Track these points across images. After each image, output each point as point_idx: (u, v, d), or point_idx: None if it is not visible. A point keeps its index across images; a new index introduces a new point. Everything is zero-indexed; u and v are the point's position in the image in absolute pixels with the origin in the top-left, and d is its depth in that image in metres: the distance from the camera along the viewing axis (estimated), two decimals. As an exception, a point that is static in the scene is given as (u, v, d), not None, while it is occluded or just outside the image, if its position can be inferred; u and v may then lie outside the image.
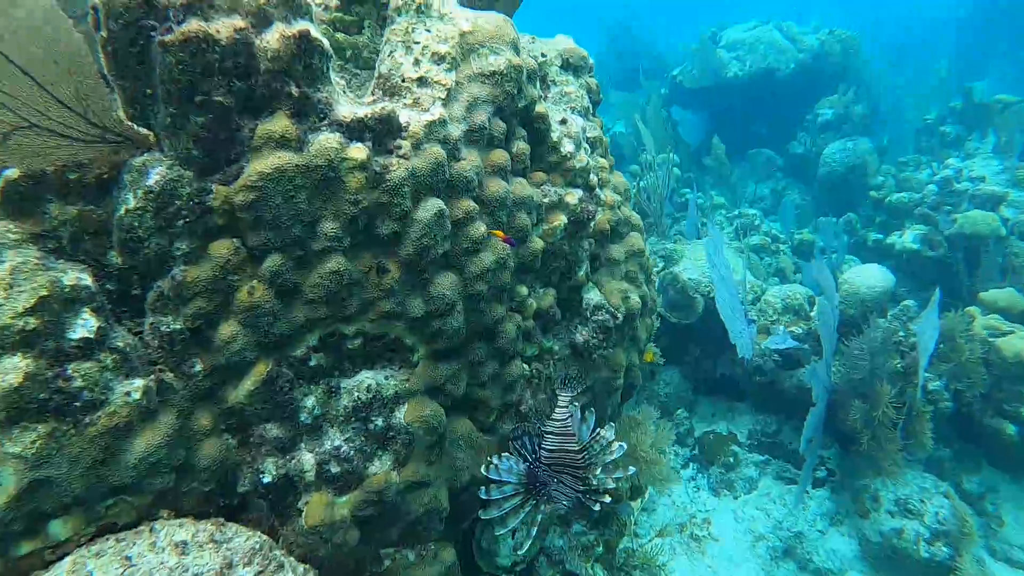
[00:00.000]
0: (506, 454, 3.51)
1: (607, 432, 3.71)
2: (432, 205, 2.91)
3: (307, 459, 3.02)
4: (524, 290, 3.57)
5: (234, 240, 2.55)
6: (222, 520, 2.76)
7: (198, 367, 2.71)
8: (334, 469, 3.04)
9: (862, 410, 6.34)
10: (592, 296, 4.19)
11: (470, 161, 3.07)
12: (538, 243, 3.59)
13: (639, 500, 5.10)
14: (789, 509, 7.54)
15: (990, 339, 7.25)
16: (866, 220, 12.52)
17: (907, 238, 10.44)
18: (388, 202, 2.75)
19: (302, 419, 3.01)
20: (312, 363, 2.98)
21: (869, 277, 8.38)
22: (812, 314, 8.23)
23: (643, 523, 7.38)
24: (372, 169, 2.63)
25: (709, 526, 7.60)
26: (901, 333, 7.04)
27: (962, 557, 6.32)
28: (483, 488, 3.44)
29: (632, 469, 3.65)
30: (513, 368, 3.56)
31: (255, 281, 2.66)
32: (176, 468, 2.69)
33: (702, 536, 7.47)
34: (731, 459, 8.11)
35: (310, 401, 3.01)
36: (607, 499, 3.50)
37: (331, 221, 2.65)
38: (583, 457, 3.60)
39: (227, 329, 2.69)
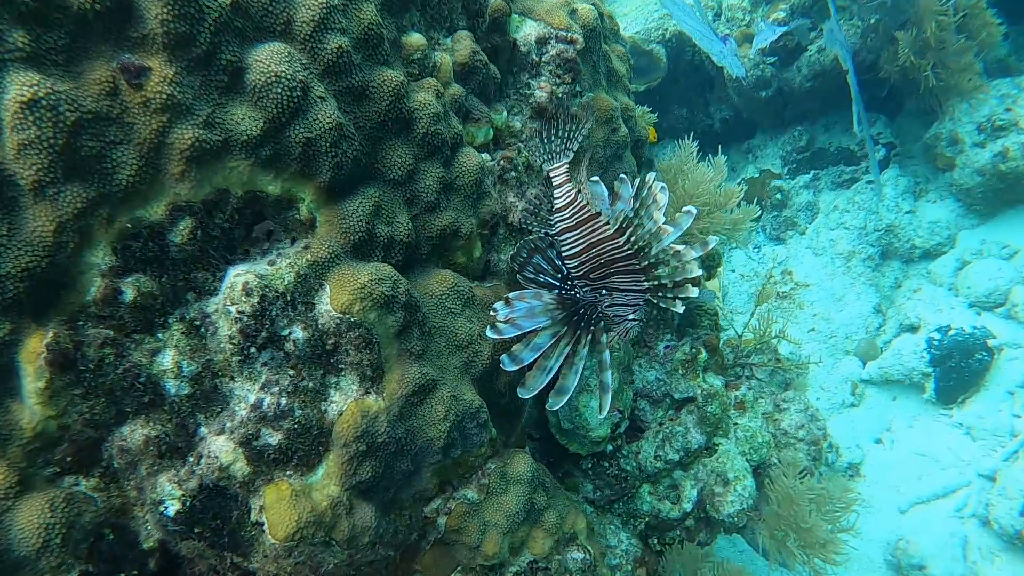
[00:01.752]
0: (516, 293, 2.22)
1: (653, 184, 2.38)
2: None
3: (221, 446, 1.74)
4: (417, 39, 2.15)
5: None
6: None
7: None
8: (273, 439, 1.76)
9: (909, 39, 4.97)
10: (527, 30, 2.75)
11: None
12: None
13: (718, 272, 3.87)
14: (868, 206, 6.35)
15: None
16: None
17: None
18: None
19: (171, 391, 1.70)
20: (127, 296, 1.64)
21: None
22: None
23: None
24: None
25: (791, 276, 6.47)
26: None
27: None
28: (505, 357, 2.18)
29: (714, 238, 2.34)
30: (466, 162, 2.20)
31: None
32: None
33: (789, 290, 6.35)
34: (777, 196, 6.88)
35: (167, 358, 1.70)
36: (691, 291, 2.24)
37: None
38: (630, 241, 2.31)
39: None
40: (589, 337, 2.30)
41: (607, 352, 2.29)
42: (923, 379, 5.44)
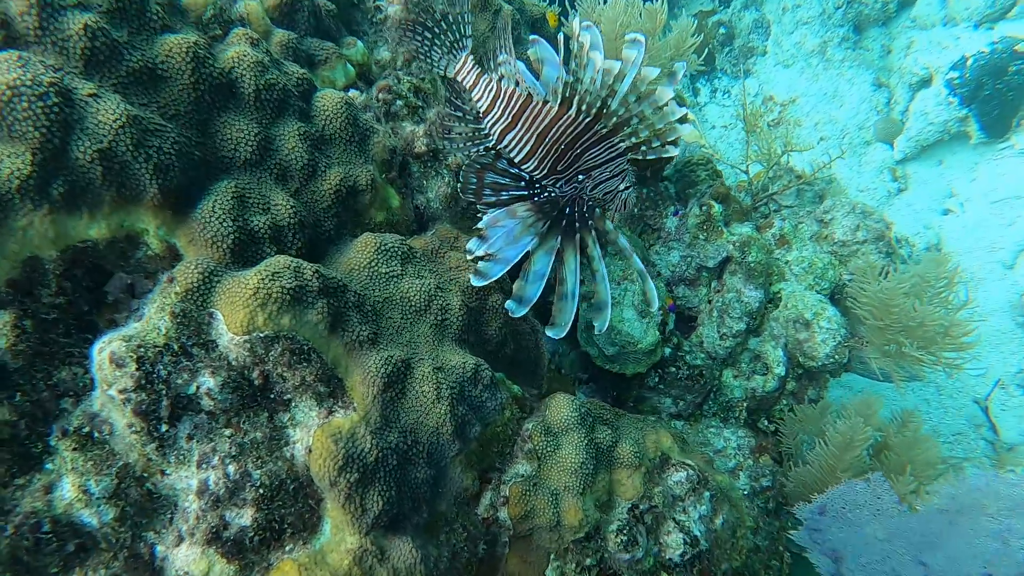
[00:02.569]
0: (486, 219, 1.81)
1: (575, 27, 1.89)
2: None
3: (187, 557, 1.35)
4: (201, -6, 1.71)
5: None
6: None
7: None
8: (243, 519, 1.37)
9: None
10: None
11: None
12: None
13: (688, 117, 3.37)
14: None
15: None
16: None
17: None
18: None
19: (93, 524, 1.32)
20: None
21: None
22: None
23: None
24: None
25: (774, 100, 5.90)
26: None
27: None
28: (510, 302, 1.78)
29: (680, 64, 1.84)
30: (326, 104, 1.77)
31: None
32: None
33: (778, 115, 5.78)
34: (722, 31, 6.28)
35: (66, 487, 1.31)
36: (681, 129, 1.77)
37: None
38: (582, 109, 1.82)
39: None
40: (592, 233, 1.86)
41: (621, 237, 1.84)
42: (962, 125, 4.85)
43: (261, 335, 1.39)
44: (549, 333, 1.83)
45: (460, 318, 1.74)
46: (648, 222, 3.50)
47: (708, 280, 3.35)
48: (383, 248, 1.69)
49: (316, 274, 1.48)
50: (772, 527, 2.81)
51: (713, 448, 3.09)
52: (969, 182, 4.81)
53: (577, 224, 1.87)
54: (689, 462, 2.09)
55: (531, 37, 2.13)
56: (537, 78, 2.12)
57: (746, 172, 3.77)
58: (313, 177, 1.69)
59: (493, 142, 1.95)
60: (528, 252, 1.80)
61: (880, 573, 2.10)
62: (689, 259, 3.38)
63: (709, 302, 3.40)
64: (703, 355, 3.31)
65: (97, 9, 1.44)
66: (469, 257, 1.79)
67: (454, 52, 1.96)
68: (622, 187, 1.92)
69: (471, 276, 1.76)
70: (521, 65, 2.06)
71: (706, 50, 6.37)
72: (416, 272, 1.74)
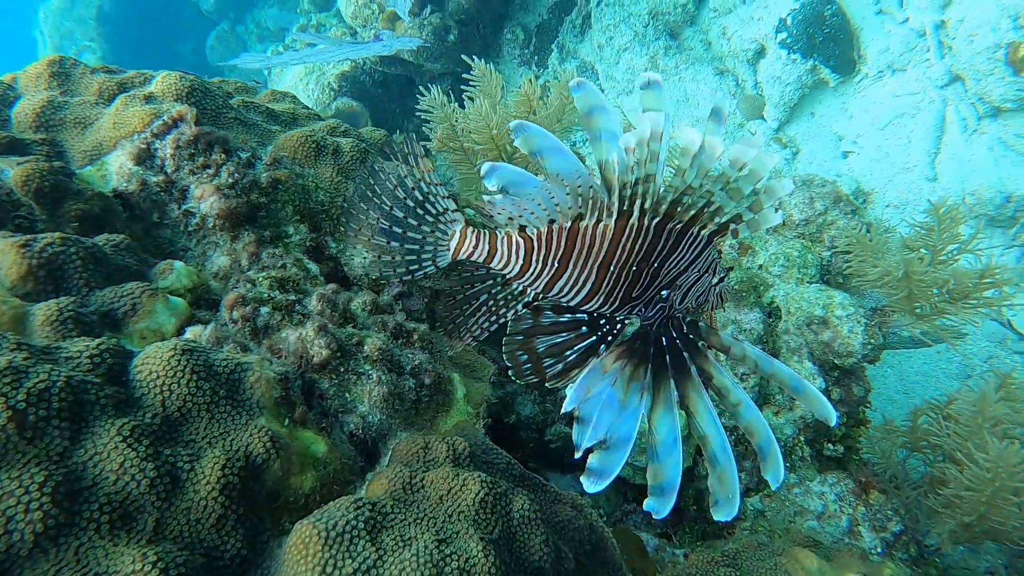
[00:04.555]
0: (567, 408, 1.21)
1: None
2: None
3: None
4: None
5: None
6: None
7: None
8: None
9: None
10: (112, 166, 1.77)
11: None
12: None
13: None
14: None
15: None
16: None
17: None
18: None
19: None
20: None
21: None
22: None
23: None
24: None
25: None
26: None
27: None
28: (650, 502, 1.20)
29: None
30: (147, 377, 1.14)
31: None
32: None
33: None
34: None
35: None
36: (777, 187, 1.23)
37: None
38: (655, 208, 1.22)
39: None
40: (710, 357, 1.30)
41: (745, 343, 1.26)
42: (815, 75, 4.84)
43: None
44: (715, 514, 1.19)
45: (493, 565, 1.09)
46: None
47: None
48: (332, 539, 1.04)
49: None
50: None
51: (815, 513, 2.49)
52: (848, 120, 4.73)
53: (686, 353, 1.31)
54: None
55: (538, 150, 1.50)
56: (563, 191, 1.52)
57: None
58: (176, 489, 1.03)
59: (530, 299, 1.41)
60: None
61: None
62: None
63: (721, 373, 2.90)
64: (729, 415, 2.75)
65: None
66: (578, 454, 1.20)
67: (440, 235, 1.39)
68: (715, 281, 1.40)
69: (584, 482, 1.18)
70: (529, 189, 1.43)
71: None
72: (398, 538, 1.09)
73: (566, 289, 1.34)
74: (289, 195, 1.86)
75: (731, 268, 1.25)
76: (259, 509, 1.12)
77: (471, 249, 1.35)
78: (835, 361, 2.76)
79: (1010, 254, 4.01)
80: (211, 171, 1.76)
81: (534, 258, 1.32)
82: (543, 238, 1.30)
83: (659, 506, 1.16)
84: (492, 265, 1.35)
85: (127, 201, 1.72)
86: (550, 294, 1.37)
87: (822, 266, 2.97)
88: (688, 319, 1.37)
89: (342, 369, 1.40)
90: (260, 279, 1.60)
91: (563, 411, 1.18)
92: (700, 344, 1.31)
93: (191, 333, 1.31)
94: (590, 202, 1.28)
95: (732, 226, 1.26)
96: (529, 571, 1.22)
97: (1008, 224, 4.00)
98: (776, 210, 1.17)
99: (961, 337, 2.57)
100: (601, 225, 1.28)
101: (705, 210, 1.27)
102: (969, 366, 4.10)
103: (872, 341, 2.70)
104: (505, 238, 1.33)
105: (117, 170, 1.73)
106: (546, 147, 1.21)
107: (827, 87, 4.84)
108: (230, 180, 1.75)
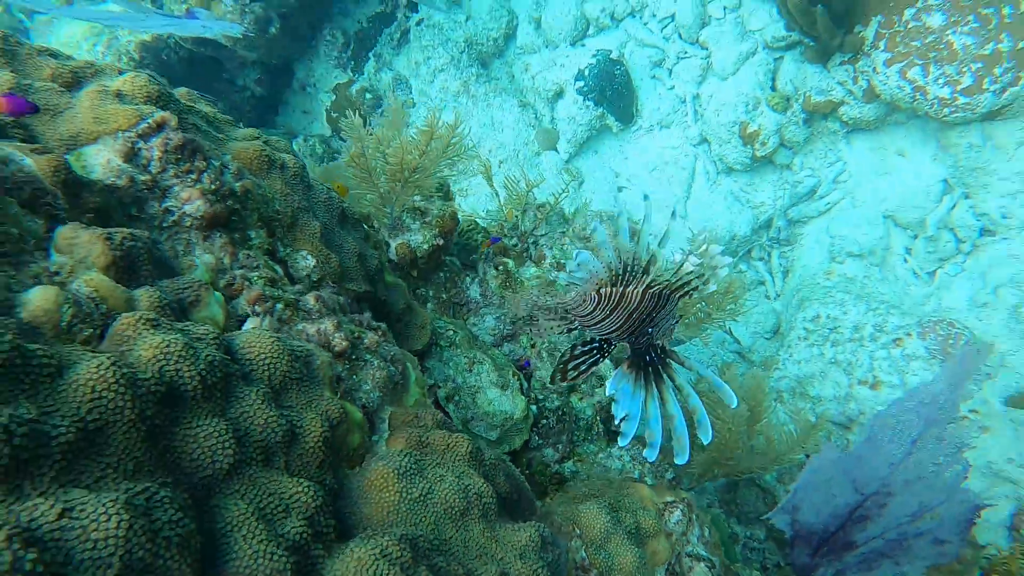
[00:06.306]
0: (610, 392, 2.04)
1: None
2: None
3: None
4: None
5: None
6: None
7: None
8: None
9: None
10: (94, 158, 1.88)
11: None
12: None
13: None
14: (437, 38, 6.30)
15: None
16: None
17: None
18: None
19: None
20: None
21: None
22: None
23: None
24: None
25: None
26: None
27: None
28: (648, 451, 2.01)
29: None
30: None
31: None
32: None
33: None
34: (368, 96, 6.49)
35: None
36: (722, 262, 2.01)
37: None
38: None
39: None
40: (672, 367, 2.12)
41: (686, 360, 2.09)
42: (602, 120, 5.89)
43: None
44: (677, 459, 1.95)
45: (491, 493, 1.63)
46: (454, 300, 3.56)
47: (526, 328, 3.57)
48: (402, 474, 1.49)
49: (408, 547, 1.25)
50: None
51: (617, 471, 3.34)
52: (624, 160, 5.91)
53: (660, 366, 2.11)
54: (669, 498, 2.28)
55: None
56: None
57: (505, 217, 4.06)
58: (294, 441, 1.40)
59: (577, 327, 2.20)
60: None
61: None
62: (502, 318, 3.55)
63: (533, 346, 3.63)
64: (555, 395, 3.53)
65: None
66: (617, 422, 1.95)
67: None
68: (674, 321, 2.21)
69: (620, 440, 1.93)
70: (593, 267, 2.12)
71: (366, 118, 6.53)
72: (434, 475, 1.57)
73: (607, 327, 2.10)
74: (256, 203, 2.13)
75: (682, 316, 2.17)
76: (335, 459, 1.51)
77: (581, 308, 2.13)
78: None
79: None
80: (194, 176, 1.97)
81: (599, 307, 2.07)
82: (604, 296, 2.08)
83: (651, 455, 1.95)
84: (579, 310, 2.12)
85: (113, 195, 1.86)
86: (593, 328, 2.16)
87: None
88: (659, 343, 2.13)
89: (353, 357, 1.79)
90: (255, 278, 1.88)
91: (607, 393, 1.91)
92: (667, 360, 2.09)
93: (251, 324, 1.60)
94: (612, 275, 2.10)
95: (687, 289, 2.02)
96: (500, 497, 1.77)
97: (732, 255, 5.47)
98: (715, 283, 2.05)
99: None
100: (631, 289, 2.03)
101: (675, 283, 2.04)
102: (715, 363, 5.50)
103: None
104: (584, 293, 2.09)
105: (104, 164, 1.85)
106: (601, 242, 2.02)
107: (611, 131, 5.97)
108: (212, 186, 1.98)
